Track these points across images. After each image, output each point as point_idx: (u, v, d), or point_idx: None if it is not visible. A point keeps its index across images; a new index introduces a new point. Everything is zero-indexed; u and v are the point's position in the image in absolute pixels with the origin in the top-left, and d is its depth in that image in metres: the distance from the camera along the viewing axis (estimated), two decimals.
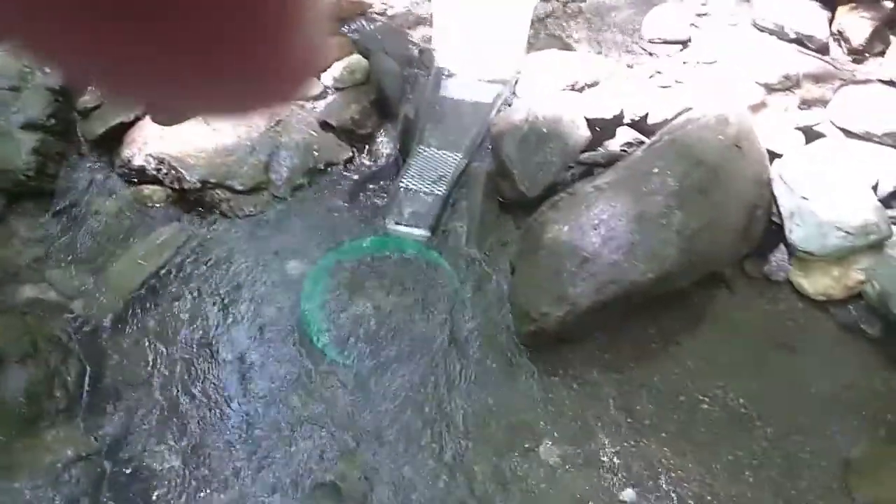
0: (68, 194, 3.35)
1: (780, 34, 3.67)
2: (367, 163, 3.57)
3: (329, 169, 3.51)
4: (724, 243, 2.91)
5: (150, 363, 2.76)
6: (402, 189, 3.36)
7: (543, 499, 2.46)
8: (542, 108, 3.32)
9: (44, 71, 3.51)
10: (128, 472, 2.46)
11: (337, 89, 3.71)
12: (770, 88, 3.44)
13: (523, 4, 3.64)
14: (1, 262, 3.06)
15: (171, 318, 2.91)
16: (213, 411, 2.65)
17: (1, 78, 3.45)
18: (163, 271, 3.07)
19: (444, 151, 3.45)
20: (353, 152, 3.59)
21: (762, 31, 3.73)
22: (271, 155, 3.47)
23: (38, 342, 2.72)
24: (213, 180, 3.36)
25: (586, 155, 3.29)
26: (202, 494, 2.44)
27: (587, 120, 3.34)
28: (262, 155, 3.45)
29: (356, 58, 3.74)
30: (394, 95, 3.66)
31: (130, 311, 2.92)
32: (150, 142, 3.42)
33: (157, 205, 3.35)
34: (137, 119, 3.53)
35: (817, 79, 3.47)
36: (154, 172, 3.37)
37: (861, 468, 2.57)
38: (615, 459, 2.57)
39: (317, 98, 3.69)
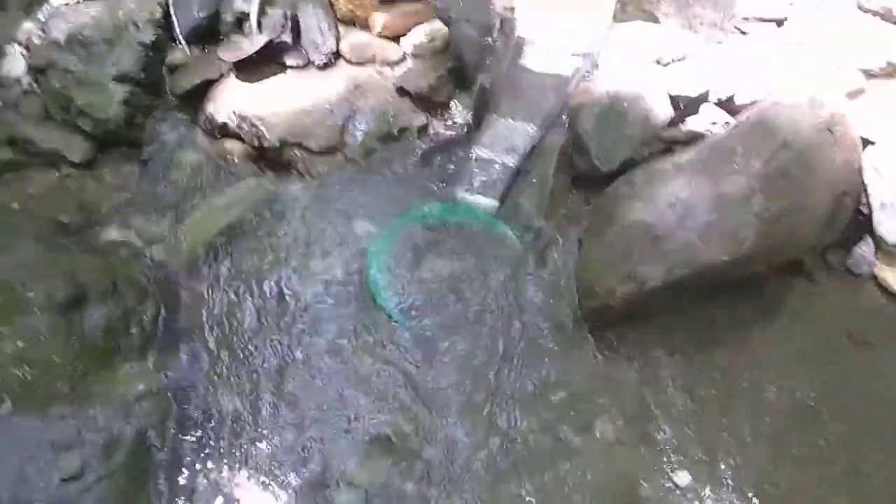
0: (154, 145, 3.47)
1: (885, 16, 3.45)
2: (441, 130, 3.56)
3: (403, 134, 3.52)
4: (805, 230, 2.78)
5: (221, 310, 2.86)
6: (473, 158, 3.34)
7: (595, 474, 2.43)
8: (623, 82, 3.24)
9: (137, 26, 3.64)
10: (193, 410, 2.57)
11: (415, 56, 3.71)
12: (870, 74, 3.25)
13: None
14: (88, 205, 3.22)
15: (244, 268, 3.00)
16: (276, 360, 2.72)
17: (97, 31, 3.58)
18: (238, 224, 3.16)
19: (519, 122, 3.41)
20: (427, 119, 3.59)
21: (866, 12, 3.51)
22: (347, 118, 3.51)
23: (118, 282, 2.84)
24: (290, 139, 3.42)
25: (667, 132, 3.19)
26: (261, 437, 2.52)
27: (670, 96, 3.24)
28: (338, 117, 3.50)
29: (436, 24, 3.72)
30: (472, 64, 3.63)
31: (205, 260, 3.02)
32: (233, 99, 3.51)
33: (237, 160, 3.44)
34: (222, 76, 3.62)
35: None
36: (235, 129, 3.46)
37: None
38: (672, 441, 2.51)
39: (395, 64, 3.70)
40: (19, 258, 2.85)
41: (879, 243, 2.87)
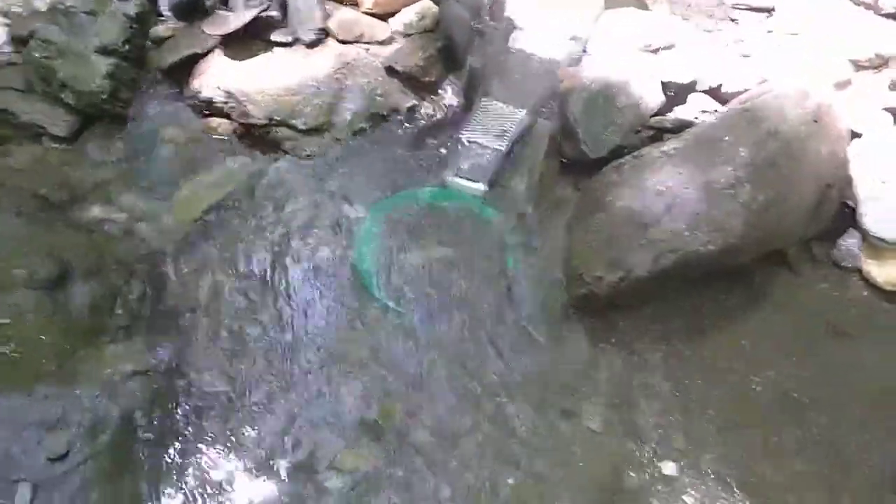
0: (139, 121, 3.42)
1: (875, 8, 3.47)
2: (430, 112, 3.54)
3: (391, 115, 3.50)
4: (792, 220, 2.81)
5: (208, 290, 2.83)
6: (462, 141, 3.33)
7: (581, 462, 2.46)
8: (613, 68, 3.24)
9: None
10: (180, 390, 2.55)
11: (405, 35, 3.67)
12: (858, 65, 3.28)
13: None
14: (72, 181, 3.16)
15: (231, 248, 2.97)
16: (263, 342, 2.71)
17: (80, 2, 3.50)
18: (225, 203, 3.13)
19: (509, 106, 3.40)
20: (416, 100, 3.56)
21: (857, 3, 3.53)
22: (336, 97, 3.47)
23: (103, 260, 2.82)
24: (277, 118, 3.38)
25: (655, 119, 3.20)
26: (247, 420, 2.51)
27: (661, 82, 3.24)
28: (326, 97, 3.46)
29: (426, 3, 3.69)
30: (462, 45, 3.60)
31: (192, 239, 2.99)
32: (219, 75, 3.45)
33: (224, 137, 3.40)
34: (208, 52, 3.56)
35: None
36: (222, 105, 3.41)
37: None
38: (658, 431, 2.55)
39: (384, 42, 3.66)
40: (1, 233, 2.81)
41: (864, 236, 2.91)
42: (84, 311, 2.65)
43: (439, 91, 3.62)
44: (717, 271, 2.81)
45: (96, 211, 3.06)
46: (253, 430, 2.48)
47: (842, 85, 3.19)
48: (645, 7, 3.71)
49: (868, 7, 3.47)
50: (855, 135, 3.01)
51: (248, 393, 2.57)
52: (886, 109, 3.06)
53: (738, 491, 2.41)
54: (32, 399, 2.40)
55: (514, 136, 3.31)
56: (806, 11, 3.53)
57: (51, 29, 3.43)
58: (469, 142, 3.33)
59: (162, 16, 3.67)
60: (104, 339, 2.61)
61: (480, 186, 3.22)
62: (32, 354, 2.49)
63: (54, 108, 3.38)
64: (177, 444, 2.42)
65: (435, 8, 3.69)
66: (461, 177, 3.25)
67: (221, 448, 2.43)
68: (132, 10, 3.56)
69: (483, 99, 3.45)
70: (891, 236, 2.80)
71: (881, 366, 2.69)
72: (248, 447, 2.45)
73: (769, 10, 3.60)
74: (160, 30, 3.64)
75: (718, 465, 2.47)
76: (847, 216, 2.98)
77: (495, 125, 3.36)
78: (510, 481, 2.41)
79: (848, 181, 2.98)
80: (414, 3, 3.71)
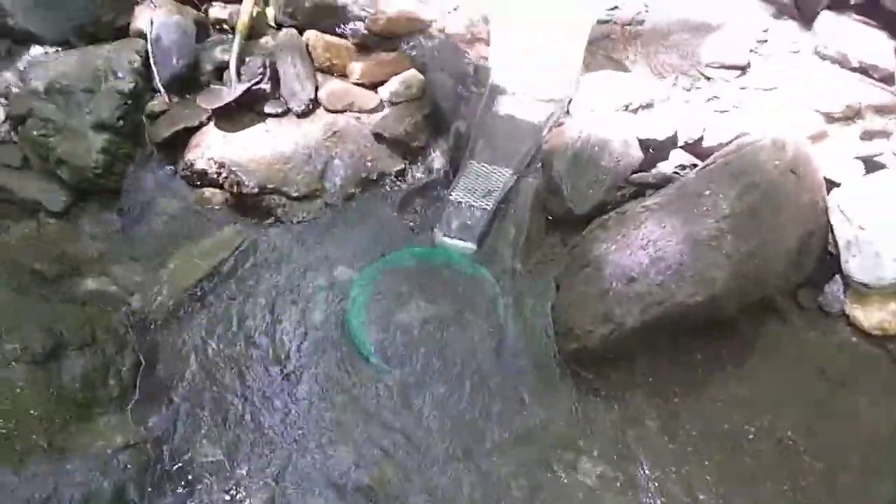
0: (133, 193, 3.49)
1: (842, 63, 3.60)
2: (419, 175, 3.62)
3: (381, 180, 3.58)
4: (775, 269, 2.85)
5: (201, 359, 2.85)
6: (451, 202, 3.40)
7: None
8: (594, 128, 3.33)
9: (117, 75, 3.68)
10: (173, 462, 2.54)
11: (392, 103, 3.78)
12: (831, 118, 3.37)
13: (580, 25, 3.66)
14: (66, 255, 3.21)
15: (223, 316, 3.00)
16: (257, 410, 2.71)
17: (76, 80, 3.61)
18: (218, 271, 3.17)
19: (495, 167, 3.49)
20: (405, 164, 3.65)
21: (824, 59, 3.66)
22: (326, 164, 3.56)
23: (96, 332, 2.83)
24: (269, 186, 3.46)
25: (637, 175, 3.28)
26: (241, 489, 2.49)
27: (640, 141, 3.33)
28: (317, 163, 3.55)
29: (412, 73, 3.81)
30: (447, 111, 3.71)
31: (185, 308, 3.02)
32: (212, 147, 3.54)
33: (217, 207, 3.47)
34: (202, 124, 3.66)
35: (880, 109, 3.39)
36: (215, 176, 3.49)
37: None
38: (655, 484, 2.53)
39: (373, 111, 3.77)
40: None
41: (848, 282, 2.95)
42: (76, 383, 2.66)
43: (427, 155, 3.71)
44: (705, 322, 2.83)
45: (90, 283, 3.10)
46: (246, 499, 2.46)
47: (816, 137, 3.28)
48: (623, 68, 3.84)
49: (835, 62, 3.60)
50: (832, 184, 3.08)
51: (240, 462, 2.55)
52: (858, 158, 3.14)
53: None
54: (23, 475, 2.38)
55: (501, 196, 3.39)
56: (777, 68, 3.66)
57: (48, 107, 3.54)
58: (457, 202, 3.40)
59: (157, 91, 3.77)
60: (96, 412, 2.62)
61: (469, 245, 3.27)
62: (23, 429, 2.48)
63: (50, 183, 3.46)
64: None
65: (421, 76, 3.82)
66: (450, 236, 3.31)
67: None
68: (127, 86, 3.67)
69: (469, 161, 3.54)
70: (873, 281, 2.83)
71: (872, 409, 2.69)
72: None
73: (742, 68, 3.72)
74: (155, 105, 3.74)
75: None
76: (831, 263, 3.02)
77: (482, 185, 3.44)
78: None
79: (829, 229, 3.04)
80: (401, 72, 3.83)
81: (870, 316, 2.89)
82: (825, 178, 3.08)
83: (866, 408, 2.70)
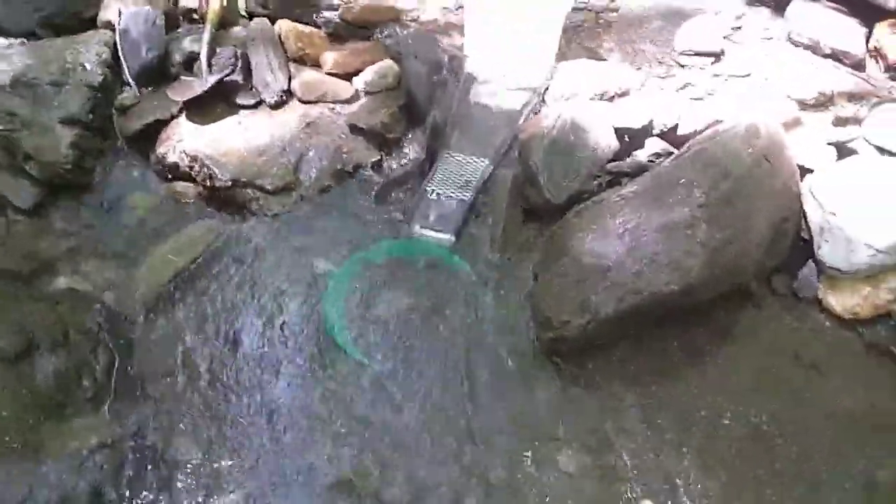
0: (104, 189, 3.43)
1: (815, 49, 3.64)
2: (395, 166, 3.60)
3: (357, 171, 3.55)
4: (750, 256, 2.88)
5: (177, 356, 2.81)
6: (427, 193, 3.39)
7: None
8: (570, 117, 3.33)
9: (85, 68, 3.62)
10: (150, 461, 2.51)
11: (367, 93, 3.75)
12: (803, 104, 3.41)
13: (555, 14, 3.65)
14: (37, 253, 3.14)
15: (199, 313, 2.96)
16: (234, 406, 2.69)
17: (44, 73, 3.54)
18: (192, 267, 3.13)
19: (471, 157, 3.48)
20: (381, 156, 3.63)
21: (797, 46, 3.69)
22: (301, 156, 3.53)
23: (69, 331, 2.79)
24: (243, 179, 3.42)
25: (613, 164, 3.29)
26: (219, 486, 2.47)
27: (616, 129, 3.34)
28: (291, 156, 3.51)
29: (387, 63, 3.79)
30: (423, 101, 3.69)
31: (160, 305, 2.98)
32: (184, 139, 3.49)
33: (190, 201, 3.42)
34: (173, 117, 3.61)
35: (852, 96, 3.43)
36: (187, 169, 3.44)
37: (886, 492, 2.52)
38: (634, 471, 2.55)
39: (347, 101, 3.74)
40: None
41: (821, 267, 2.99)
42: (49, 383, 2.62)
43: (403, 146, 3.69)
44: (682, 310, 2.86)
45: (62, 281, 3.03)
46: (224, 496, 2.44)
47: (790, 124, 3.31)
48: (599, 57, 3.84)
49: (807, 49, 3.63)
50: (805, 170, 3.11)
51: (218, 459, 2.53)
52: (831, 144, 3.17)
53: None
54: None
55: (478, 186, 3.38)
56: (750, 55, 3.68)
57: (14, 101, 3.46)
58: (434, 194, 3.38)
59: (127, 84, 3.71)
60: (70, 412, 2.57)
61: (447, 237, 3.27)
62: None
63: (18, 179, 3.37)
64: None
65: (396, 66, 3.79)
66: (427, 228, 3.29)
67: None
68: (96, 79, 3.61)
69: (446, 152, 3.52)
70: (845, 266, 2.87)
71: (846, 393, 2.74)
72: None
73: (716, 55, 3.74)
74: (125, 98, 3.68)
75: (694, 500, 2.48)
76: (804, 249, 3.06)
77: (459, 176, 3.43)
78: None
79: (802, 215, 3.07)
80: (375, 62, 3.80)
81: (842, 301, 2.93)
82: (798, 165, 3.11)
83: (840, 392, 2.74)
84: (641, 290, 2.73)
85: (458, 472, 2.53)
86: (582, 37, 3.96)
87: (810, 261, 3.06)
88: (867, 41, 3.59)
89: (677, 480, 2.53)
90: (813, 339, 2.91)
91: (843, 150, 3.18)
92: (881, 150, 3.14)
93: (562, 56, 3.74)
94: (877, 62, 3.57)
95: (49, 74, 3.57)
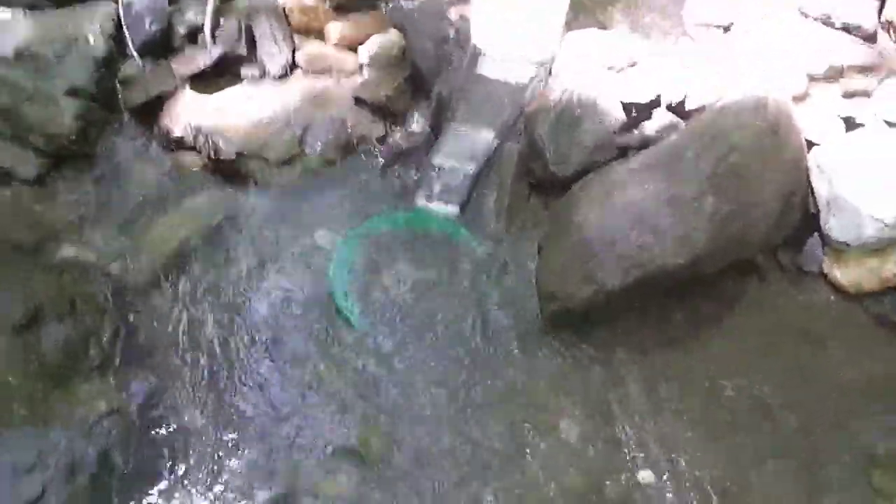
0: (109, 160, 3.42)
1: (826, 22, 3.58)
2: (400, 139, 3.58)
3: (362, 144, 3.54)
4: (756, 230, 2.86)
5: (182, 325, 2.84)
6: (433, 166, 3.37)
7: (561, 475, 2.49)
8: (577, 89, 3.30)
9: (88, 40, 3.59)
10: (156, 427, 2.54)
11: (372, 66, 3.72)
12: (813, 77, 3.36)
13: None
14: (42, 223, 3.15)
15: (204, 283, 2.98)
16: (240, 374, 2.71)
17: (47, 45, 3.52)
18: (197, 237, 3.14)
19: (477, 130, 3.45)
20: (385, 128, 3.61)
21: (808, 17, 3.64)
22: (306, 128, 3.51)
23: (75, 301, 2.81)
24: (248, 151, 3.41)
25: (621, 137, 3.26)
26: (225, 453, 2.50)
27: (623, 103, 3.31)
28: (296, 128, 3.49)
29: (393, 35, 3.74)
30: (429, 73, 3.66)
31: (165, 275, 2.99)
32: (189, 111, 3.48)
33: (194, 173, 3.41)
34: (177, 89, 3.59)
35: (863, 69, 3.38)
36: (191, 142, 3.43)
37: (886, 463, 2.54)
38: (635, 440, 2.58)
39: (352, 74, 3.71)
40: None
41: (827, 241, 2.97)
42: (56, 352, 2.64)
43: (408, 119, 3.67)
44: (687, 282, 2.85)
45: (68, 251, 3.05)
46: (231, 463, 2.47)
47: (799, 97, 3.27)
48: (606, 28, 3.79)
49: (818, 20, 3.57)
50: (812, 144, 3.08)
51: (224, 426, 2.56)
52: (839, 117, 3.14)
53: (715, 495, 2.43)
54: (5, 443, 2.38)
55: (484, 159, 3.36)
56: (761, 27, 3.62)
57: (18, 73, 3.44)
58: (439, 167, 3.37)
59: (130, 56, 3.68)
60: (77, 380, 2.61)
61: (452, 209, 3.26)
62: (3, 399, 2.47)
63: (23, 151, 3.37)
64: (155, 482, 2.41)
65: (401, 38, 3.75)
66: (433, 201, 3.29)
67: (200, 484, 2.42)
68: (100, 52, 3.58)
69: (451, 124, 3.50)
70: (851, 240, 2.86)
71: (848, 365, 2.75)
72: (227, 481, 2.43)
73: (726, 27, 3.69)
74: (129, 70, 3.65)
75: (695, 471, 2.51)
76: (811, 222, 3.05)
77: (464, 149, 3.41)
78: (492, 500, 2.41)
79: (809, 188, 3.05)
80: (380, 34, 3.76)
81: (847, 274, 2.92)
82: (806, 139, 3.08)
83: (843, 365, 2.75)
84: (647, 263, 2.73)
85: (460, 441, 2.56)
86: (590, 8, 3.91)
87: (816, 234, 3.04)
88: (879, 14, 3.53)
89: (677, 450, 2.56)
90: (818, 312, 2.91)
91: (851, 124, 3.15)
92: (890, 124, 3.10)
93: (569, 28, 3.70)
94: (889, 34, 3.51)
95: (52, 46, 3.54)
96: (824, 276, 2.99)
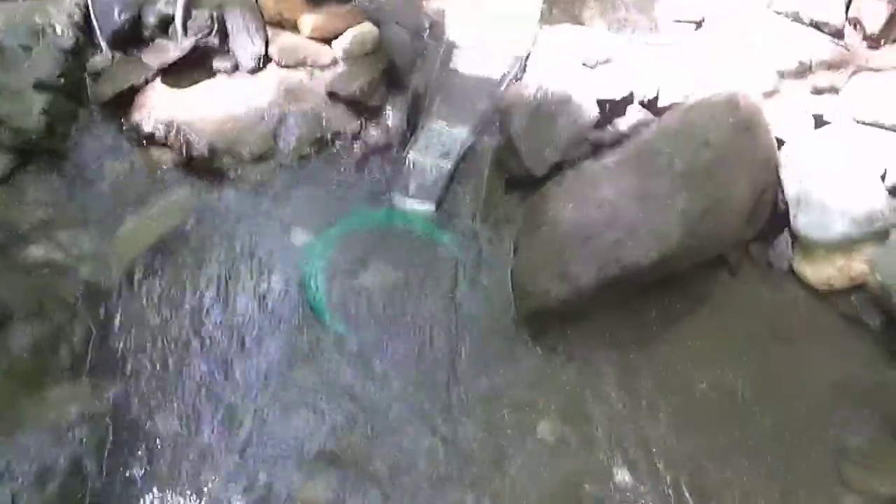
0: (78, 156, 3.34)
1: (795, 18, 3.62)
2: (375, 134, 3.55)
3: (336, 139, 3.50)
4: (728, 226, 2.90)
5: (156, 327, 2.80)
6: (408, 162, 3.36)
7: (539, 477, 2.51)
8: (552, 85, 3.31)
9: (56, 31, 3.51)
10: (130, 433, 2.51)
11: (347, 59, 3.68)
12: (783, 73, 3.41)
13: None
14: (9, 222, 3.08)
15: (177, 283, 2.94)
16: (215, 378, 2.69)
17: (12, 36, 3.43)
18: (169, 236, 3.09)
19: (452, 126, 3.45)
20: (360, 123, 3.57)
21: (778, 14, 3.67)
22: (279, 123, 3.47)
23: (44, 301, 2.76)
24: (220, 146, 3.36)
25: (594, 134, 3.28)
26: (201, 459, 2.48)
27: (597, 99, 3.32)
28: (270, 122, 3.45)
29: (367, 27, 3.71)
30: (403, 67, 3.64)
31: (136, 275, 2.95)
32: (160, 105, 3.42)
33: (166, 169, 3.35)
34: (147, 82, 3.52)
35: (831, 65, 3.44)
36: (163, 136, 3.37)
37: (857, 459, 2.59)
38: (612, 440, 2.60)
39: (327, 67, 3.67)
40: None
41: (796, 237, 3.02)
42: (25, 354, 2.59)
43: (383, 113, 3.63)
44: (661, 279, 2.88)
45: (36, 251, 2.98)
46: (207, 469, 2.45)
47: (769, 93, 3.31)
48: (580, 23, 3.80)
49: (788, 16, 3.61)
50: (782, 141, 3.12)
51: (199, 431, 2.54)
52: (808, 114, 3.18)
53: (690, 493, 2.47)
54: None
55: (459, 155, 3.36)
56: (731, 23, 3.66)
57: None
58: (414, 163, 3.36)
59: (99, 47, 3.61)
60: (47, 383, 2.56)
61: (428, 206, 3.26)
62: None
63: None
64: (129, 490, 2.37)
65: (376, 31, 3.72)
66: (409, 198, 3.28)
67: (175, 491, 2.39)
68: (68, 43, 3.50)
69: (427, 119, 3.49)
70: (820, 236, 2.91)
71: (819, 362, 2.80)
72: (203, 488, 2.41)
73: (698, 23, 3.72)
74: (98, 62, 3.58)
75: (671, 469, 2.54)
76: (781, 219, 3.09)
77: (439, 145, 3.40)
78: (469, 502, 2.43)
79: (779, 185, 3.10)
80: (355, 26, 3.73)
81: (817, 271, 2.97)
82: (776, 136, 3.12)
83: (813, 361, 2.80)
84: (621, 260, 2.76)
85: (438, 443, 2.57)
86: (564, 4, 3.91)
87: (786, 231, 3.09)
88: (847, 10, 3.58)
89: (653, 448, 2.59)
90: (788, 309, 2.96)
91: (820, 121, 3.20)
92: (857, 121, 3.15)
93: (544, 23, 3.69)
94: (856, 30, 3.56)
95: (19, 38, 3.45)
96: (794, 272, 3.03)
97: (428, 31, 3.78)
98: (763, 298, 2.98)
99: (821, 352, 2.83)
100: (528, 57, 3.60)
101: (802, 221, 2.96)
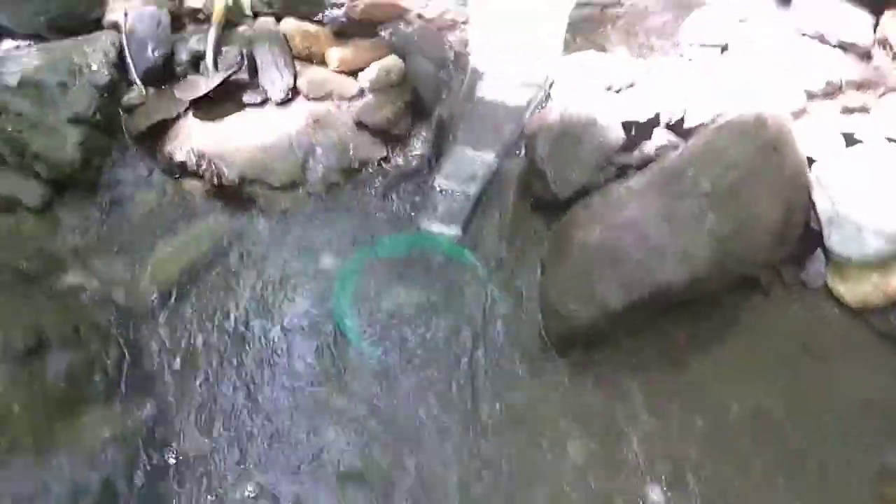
0: (112, 187, 3.44)
1: (822, 40, 3.62)
2: (401, 162, 3.60)
3: (364, 168, 3.56)
4: (758, 247, 2.87)
5: (186, 351, 2.84)
6: (434, 188, 3.39)
7: (570, 497, 2.46)
8: (576, 110, 3.32)
9: (91, 68, 3.63)
10: (161, 455, 2.53)
11: (373, 90, 3.76)
12: (811, 95, 3.39)
13: (559, 8, 3.65)
14: (46, 251, 3.16)
15: (208, 308, 2.98)
16: (244, 400, 2.71)
17: (51, 74, 3.56)
18: (200, 263, 3.15)
19: (478, 152, 3.48)
20: (387, 152, 3.63)
21: (804, 36, 3.67)
22: (308, 153, 3.53)
23: (79, 328, 2.80)
24: (251, 176, 3.43)
25: (620, 156, 3.28)
26: (231, 480, 2.49)
27: (622, 122, 3.33)
28: (298, 153, 3.51)
29: (392, 59, 3.79)
30: (429, 97, 3.70)
31: (169, 301, 3.00)
32: (191, 138, 3.51)
33: (197, 198, 3.43)
34: (180, 116, 3.62)
35: (860, 85, 3.41)
36: (194, 167, 3.45)
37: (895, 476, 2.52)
38: (642, 460, 2.56)
39: (353, 98, 3.74)
40: None
41: (830, 256, 2.97)
42: (60, 380, 2.63)
43: (409, 142, 3.69)
44: (690, 300, 2.85)
45: (72, 279, 3.05)
46: (237, 490, 2.46)
47: (798, 114, 3.29)
48: (604, 50, 3.83)
49: (815, 39, 3.60)
50: (812, 160, 3.10)
51: (230, 453, 2.55)
52: (839, 134, 3.16)
53: None
54: (9, 472, 2.36)
55: (485, 181, 3.38)
56: (757, 47, 3.66)
57: (22, 102, 3.47)
58: (441, 188, 3.39)
59: (133, 83, 3.72)
60: (81, 407, 2.59)
61: (454, 231, 3.27)
62: (7, 428, 2.45)
63: (27, 179, 3.39)
64: None
65: (401, 63, 3.79)
66: (436, 223, 3.30)
67: None
68: (102, 79, 3.62)
69: (452, 146, 3.53)
70: (854, 254, 2.86)
71: (854, 382, 2.74)
72: None
73: (723, 47, 3.73)
74: (131, 97, 3.69)
75: (703, 488, 2.49)
76: (813, 238, 3.05)
77: (465, 171, 3.43)
78: None
79: (811, 204, 3.06)
80: (380, 59, 3.81)
81: (851, 289, 2.92)
82: (807, 156, 3.09)
83: (849, 380, 2.74)
84: (649, 282, 2.73)
85: (467, 463, 2.54)
86: (587, 31, 3.96)
87: (819, 250, 3.04)
88: (874, 31, 3.56)
89: (685, 468, 2.54)
90: (822, 328, 2.90)
91: (851, 140, 3.17)
92: (889, 140, 3.12)
93: (567, 50, 3.74)
94: (884, 51, 3.54)
95: (56, 75, 3.58)
96: (828, 291, 2.98)
97: (452, 61, 3.84)
98: (795, 317, 2.93)
99: (856, 369, 2.77)
100: (552, 84, 3.64)
101: (836, 239, 2.92)
